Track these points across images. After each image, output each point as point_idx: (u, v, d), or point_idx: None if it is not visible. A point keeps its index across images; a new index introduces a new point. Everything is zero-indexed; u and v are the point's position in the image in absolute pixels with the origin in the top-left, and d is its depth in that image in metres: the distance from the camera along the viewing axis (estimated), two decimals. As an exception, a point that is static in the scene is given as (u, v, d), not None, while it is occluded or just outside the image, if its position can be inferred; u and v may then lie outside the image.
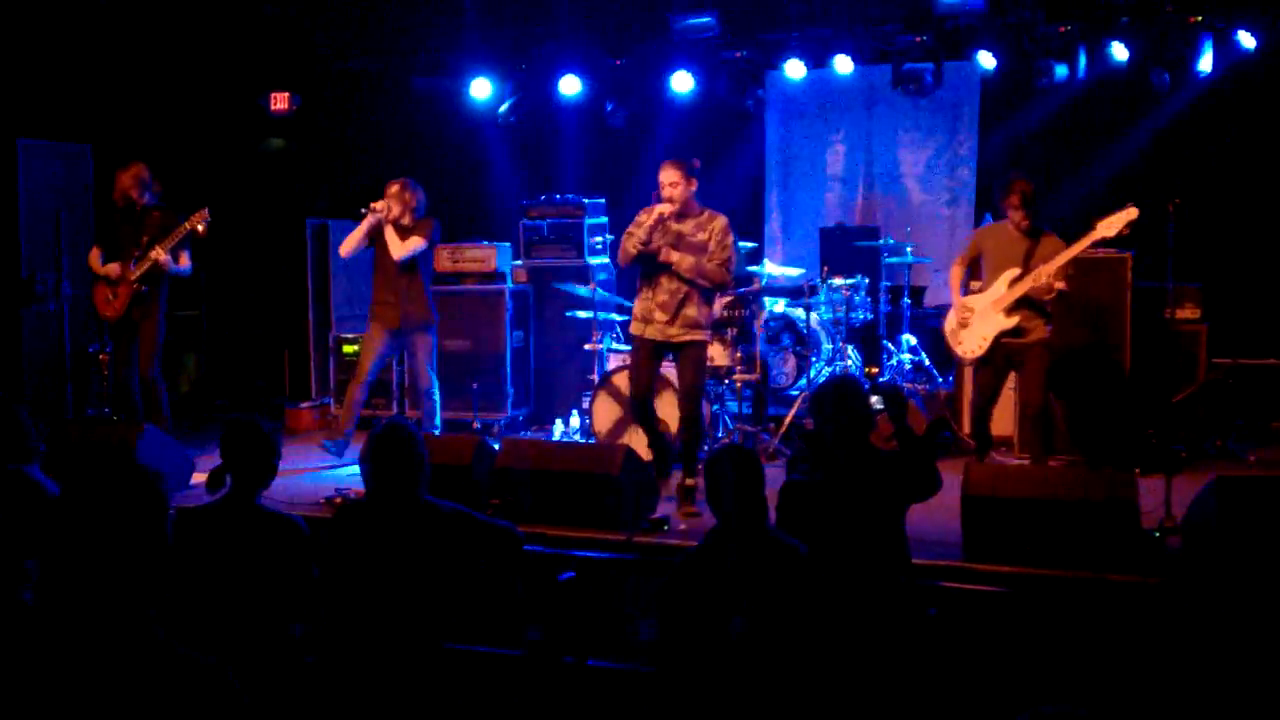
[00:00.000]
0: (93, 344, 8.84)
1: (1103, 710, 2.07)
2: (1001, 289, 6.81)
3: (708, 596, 3.73)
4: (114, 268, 7.81)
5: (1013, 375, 7.07)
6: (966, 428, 8.23)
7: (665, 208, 6.67)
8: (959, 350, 7.03)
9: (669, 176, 6.72)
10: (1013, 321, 6.77)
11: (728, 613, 3.66)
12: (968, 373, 8.34)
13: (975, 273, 7.10)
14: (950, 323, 7.07)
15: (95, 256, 7.97)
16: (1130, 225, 6.54)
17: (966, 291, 7.10)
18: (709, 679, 3.66)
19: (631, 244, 6.72)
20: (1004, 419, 8.06)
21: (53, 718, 2.28)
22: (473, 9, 10.50)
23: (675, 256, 6.70)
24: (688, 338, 6.77)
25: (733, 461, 3.90)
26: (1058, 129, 10.02)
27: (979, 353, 6.90)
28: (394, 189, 7.98)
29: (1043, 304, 6.75)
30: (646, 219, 6.71)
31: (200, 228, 7.74)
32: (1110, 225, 6.54)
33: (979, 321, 6.89)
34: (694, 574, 3.83)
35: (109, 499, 2.42)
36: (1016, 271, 6.77)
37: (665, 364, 7.07)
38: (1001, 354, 6.85)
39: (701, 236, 6.75)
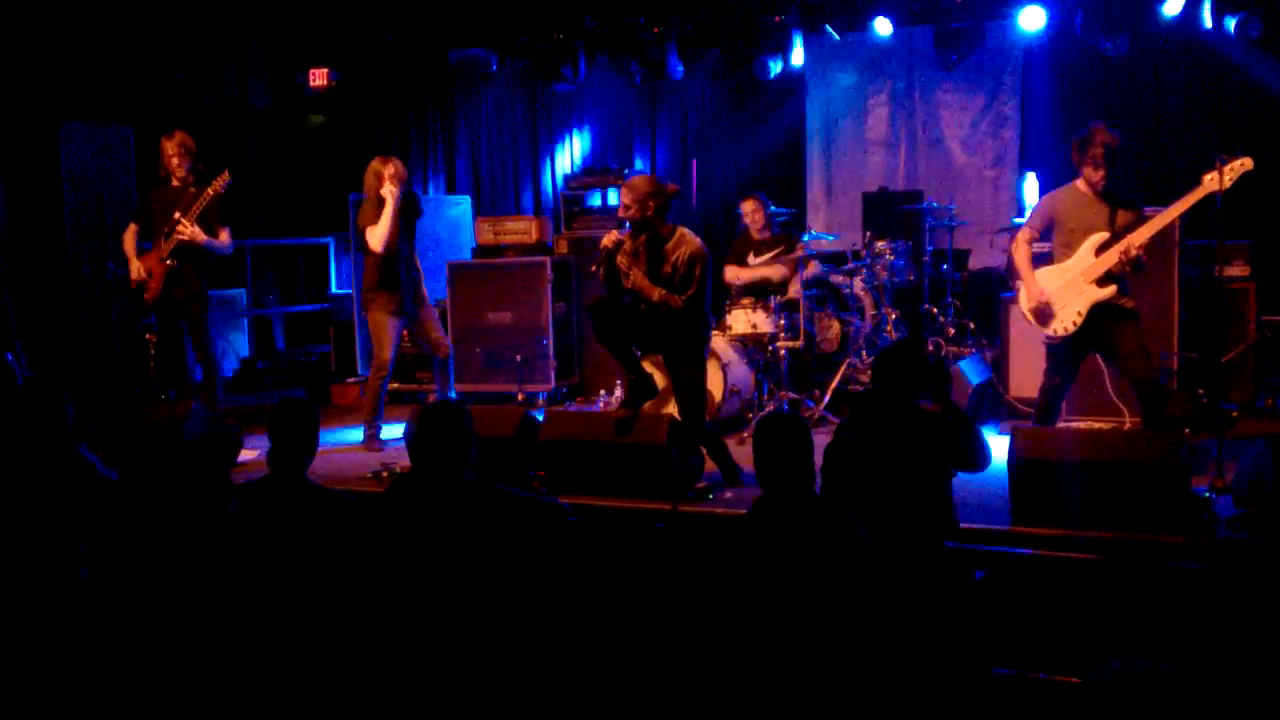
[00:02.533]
0: (139, 322, 8.93)
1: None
2: (1089, 258, 6.06)
3: (755, 568, 3.71)
4: (137, 268, 7.65)
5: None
6: (1012, 391, 8.17)
7: (609, 239, 6.24)
8: (1049, 329, 6.17)
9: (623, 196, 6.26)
10: (1109, 291, 6.00)
11: (775, 585, 3.64)
12: (1014, 336, 8.25)
13: (1051, 243, 6.35)
14: (1027, 300, 6.27)
15: (130, 235, 7.81)
16: (1245, 176, 5.83)
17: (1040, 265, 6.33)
18: (756, 649, 3.64)
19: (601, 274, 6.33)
20: (1032, 381, 7.98)
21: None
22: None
23: (644, 284, 6.20)
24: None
25: (780, 430, 3.87)
26: (1105, 87, 9.86)
27: (1073, 329, 6.09)
28: (393, 169, 7.60)
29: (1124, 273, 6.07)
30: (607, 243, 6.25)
31: (218, 189, 7.43)
32: (1217, 179, 5.82)
33: (1068, 295, 6.11)
34: (739, 547, 3.81)
35: (172, 483, 2.45)
36: (1104, 236, 6.03)
37: None
38: (1094, 329, 6.09)
39: (666, 269, 6.22)
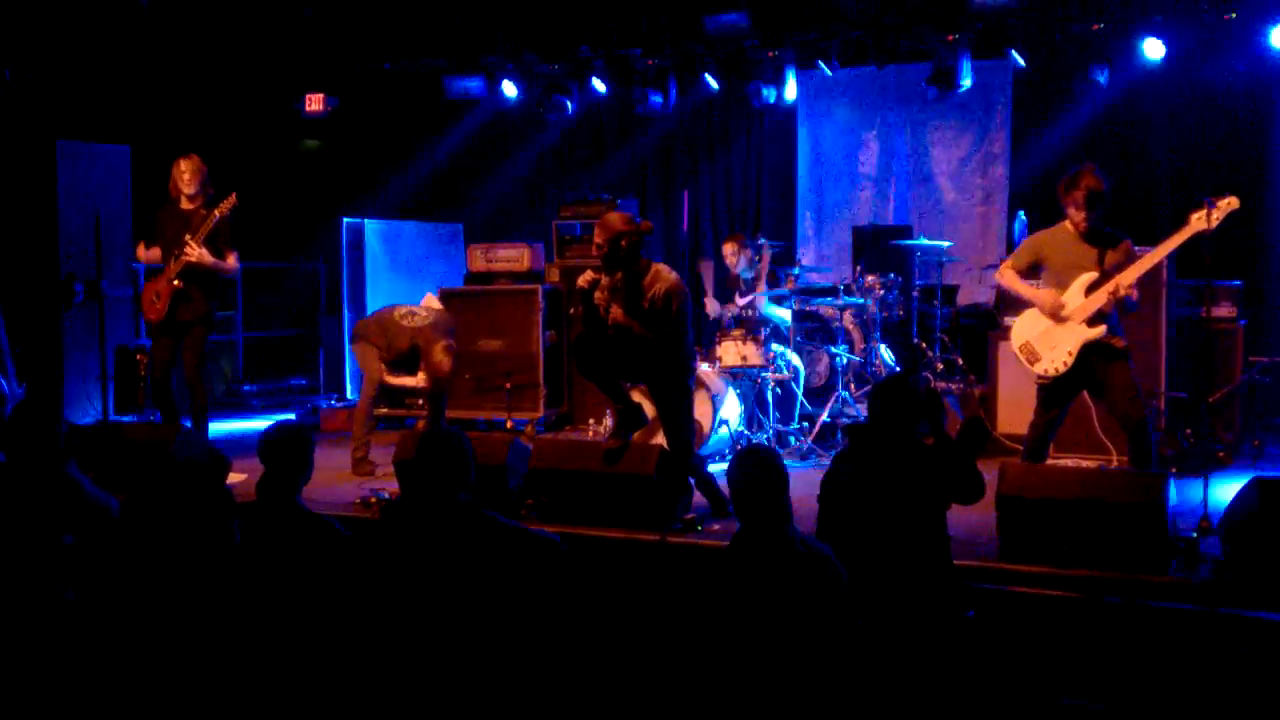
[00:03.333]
0: (132, 343, 8.95)
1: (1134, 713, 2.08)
2: (1079, 298, 6.04)
3: (729, 603, 3.72)
4: (149, 292, 7.67)
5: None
6: (1000, 427, 8.22)
7: (584, 279, 6.25)
8: (1037, 368, 6.15)
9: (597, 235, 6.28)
10: (1098, 331, 5.98)
11: (749, 618, 3.66)
12: (1002, 372, 8.32)
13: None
14: (1017, 338, 6.26)
15: (141, 249, 7.86)
16: (1231, 216, 5.83)
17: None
18: (735, 680, 3.66)
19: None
20: (1021, 417, 8.03)
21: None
22: (504, 10, 10.55)
23: (624, 320, 6.24)
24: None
25: (754, 463, 3.89)
26: (1094, 126, 9.95)
27: (1063, 369, 6.06)
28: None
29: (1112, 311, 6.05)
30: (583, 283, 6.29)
31: (224, 212, 7.39)
32: (1204, 218, 5.82)
33: (1058, 335, 6.08)
34: (719, 577, 3.83)
35: (176, 509, 2.46)
36: (1094, 276, 6.01)
37: None
38: (1084, 368, 6.07)
39: (644, 304, 6.20)
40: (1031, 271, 6.29)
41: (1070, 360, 6.06)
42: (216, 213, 7.42)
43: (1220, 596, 4.95)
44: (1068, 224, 6.16)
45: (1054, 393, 6.20)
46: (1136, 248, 6.17)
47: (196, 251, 7.39)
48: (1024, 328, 6.23)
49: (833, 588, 3.70)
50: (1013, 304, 8.27)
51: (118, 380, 9.37)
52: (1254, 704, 4.37)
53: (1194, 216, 5.88)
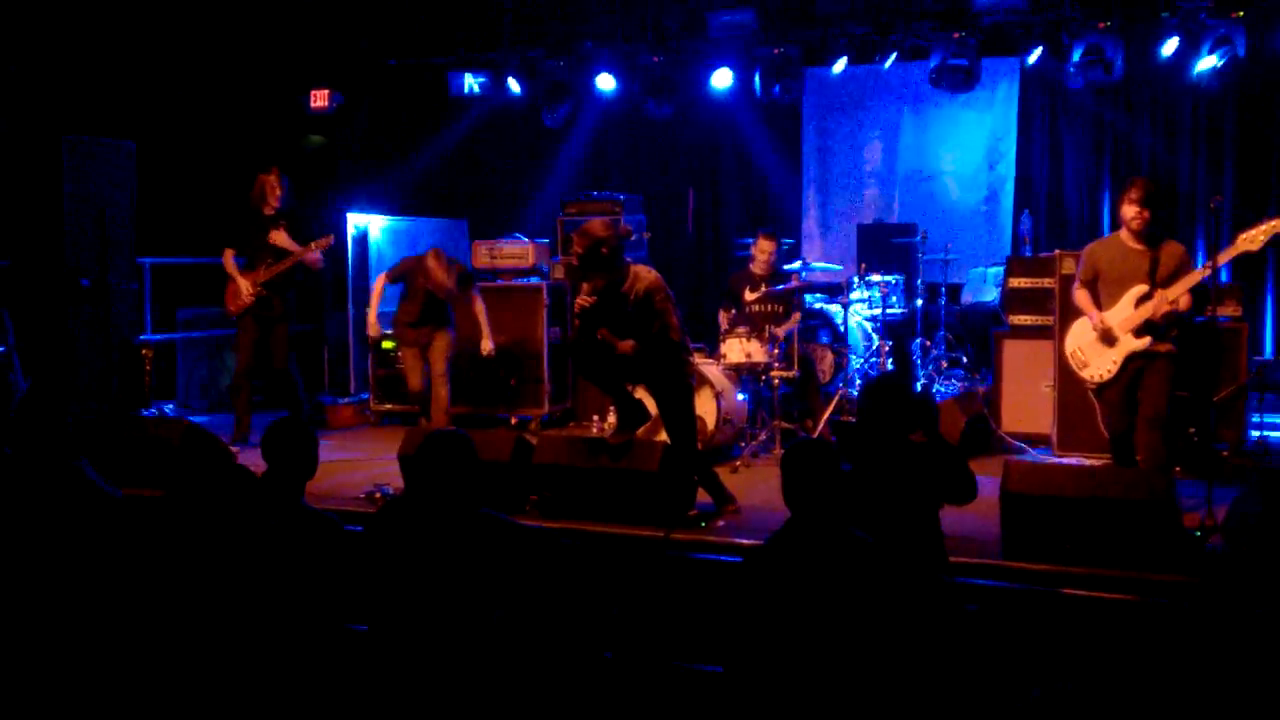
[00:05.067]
0: (138, 337, 9.00)
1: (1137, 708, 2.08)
2: (1128, 309, 6.27)
3: (781, 592, 3.72)
4: (244, 284, 8.57)
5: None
6: (1004, 426, 8.22)
7: (584, 302, 6.32)
8: (1084, 374, 6.47)
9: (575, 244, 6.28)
10: (1144, 343, 6.25)
11: (801, 608, 3.65)
12: (1006, 371, 8.32)
13: (1094, 298, 6.46)
14: (1070, 344, 6.57)
15: (228, 257, 8.63)
16: (1276, 237, 6.07)
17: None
18: (780, 676, 3.65)
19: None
20: (1041, 416, 8.04)
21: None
22: (511, 7, 10.56)
23: (613, 340, 6.25)
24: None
25: (811, 456, 3.90)
26: (1101, 126, 9.95)
27: (1107, 377, 6.37)
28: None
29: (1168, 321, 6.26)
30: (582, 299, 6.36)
31: (315, 255, 8.49)
32: (1253, 239, 6.06)
33: (1105, 344, 6.36)
34: (766, 569, 3.83)
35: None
36: (1144, 289, 6.23)
37: None
38: (1131, 373, 6.34)
39: (628, 310, 6.22)
40: (1094, 284, 6.48)
41: (1114, 369, 6.34)
42: (297, 256, 8.47)
43: (1224, 594, 4.95)
44: (1123, 234, 6.36)
45: (1105, 399, 6.47)
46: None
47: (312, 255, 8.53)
48: (1076, 335, 6.53)
49: (888, 578, 3.70)
50: (1025, 305, 8.34)
51: (123, 374, 9.38)
52: (1258, 701, 4.37)
53: (1242, 237, 6.11)
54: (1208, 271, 6.23)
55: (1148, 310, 6.20)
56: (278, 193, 8.55)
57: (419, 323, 8.29)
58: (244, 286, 8.54)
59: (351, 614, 4.37)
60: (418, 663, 3.95)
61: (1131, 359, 6.29)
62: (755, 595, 3.77)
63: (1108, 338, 6.32)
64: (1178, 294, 6.14)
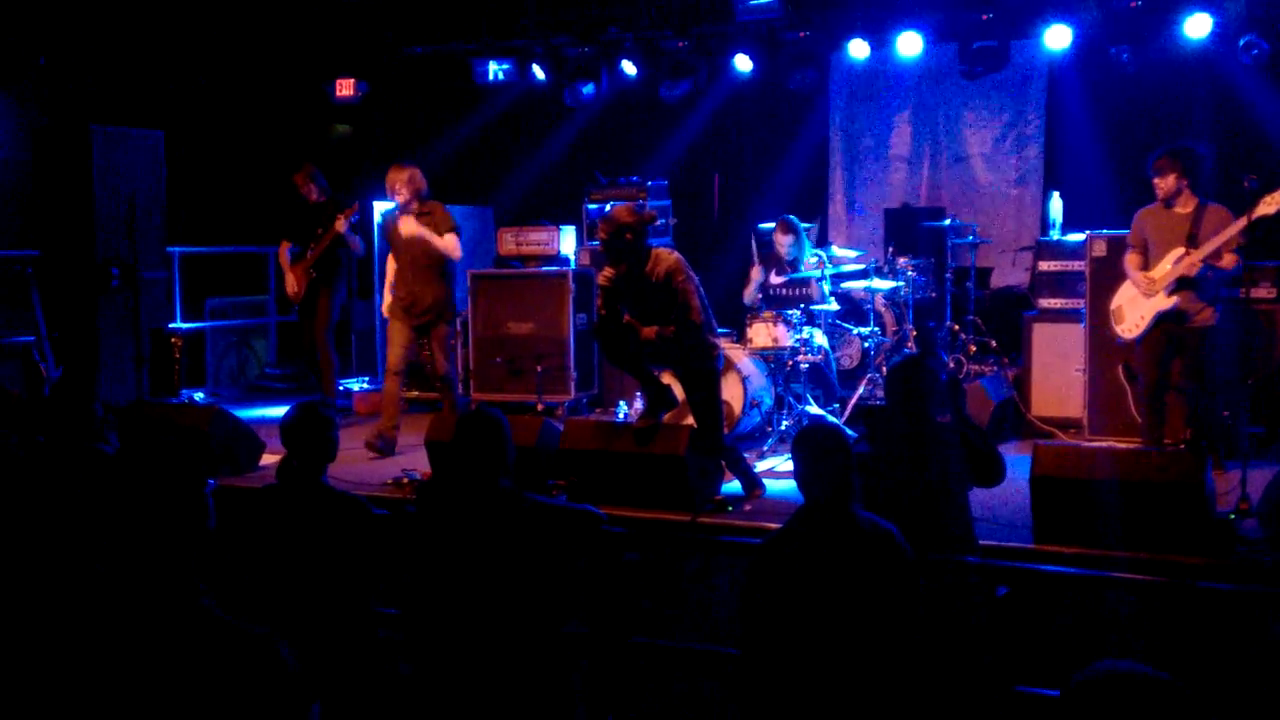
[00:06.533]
0: (167, 325, 9.08)
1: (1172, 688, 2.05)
2: (1167, 268, 6.56)
3: (794, 578, 3.70)
4: (291, 280, 8.98)
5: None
6: (1034, 410, 8.16)
7: (604, 278, 6.33)
8: (1118, 329, 6.84)
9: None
10: (1172, 301, 6.52)
11: (813, 594, 3.63)
12: (1036, 355, 8.26)
13: (1146, 262, 6.72)
14: (1114, 301, 6.88)
15: (284, 249, 9.03)
16: None
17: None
18: (793, 660, 3.64)
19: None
20: (1071, 400, 7.98)
21: (105, 679, 2.35)
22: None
23: (637, 326, 6.25)
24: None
25: (822, 440, 3.87)
26: (1131, 105, 9.83)
27: (1135, 332, 6.69)
28: (405, 174, 7.86)
29: (1216, 283, 6.48)
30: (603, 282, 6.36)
31: (341, 226, 8.59)
32: (1272, 201, 6.17)
33: (1140, 302, 6.66)
34: (779, 556, 3.81)
35: (149, 465, 2.49)
36: (1181, 251, 6.50)
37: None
38: (1163, 337, 6.62)
39: (652, 292, 6.22)
40: (1145, 248, 6.76)
41: (1142, 325, 6.63)
42: (333, 231, 8.68)
43: (1260, 577, 4.90)
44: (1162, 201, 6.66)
45: (1139, 356, 6.79)
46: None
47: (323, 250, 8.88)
48: (1121, 294, 6.85)
49: (898, 565, 3.68)
50: (1054, 288, 8.30)
51: (153, 363, 9.44)
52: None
53: (1265, 200, 6.19)
54: (1230, 234, 6.32)
55: (1179, 269, 6.44)
56: (310, 186, 8.92)
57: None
58: (291, 280, 8.94)
59: (382, 596, 4.38)
60: (450, 647, 3.95)
61: (1162, 319, 6.54)
62: (768, 581, 3.76)
63: (1148, 293, 6.59)
64: (1207, 251, 6.34)
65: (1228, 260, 6.37)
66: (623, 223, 6.15)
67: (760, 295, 8.84)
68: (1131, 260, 6.75)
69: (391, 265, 8.19)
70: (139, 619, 2.39)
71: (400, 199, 7.83)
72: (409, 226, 7.74)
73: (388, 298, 8.18)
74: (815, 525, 3.75)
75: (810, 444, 3.86)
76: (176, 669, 2.35)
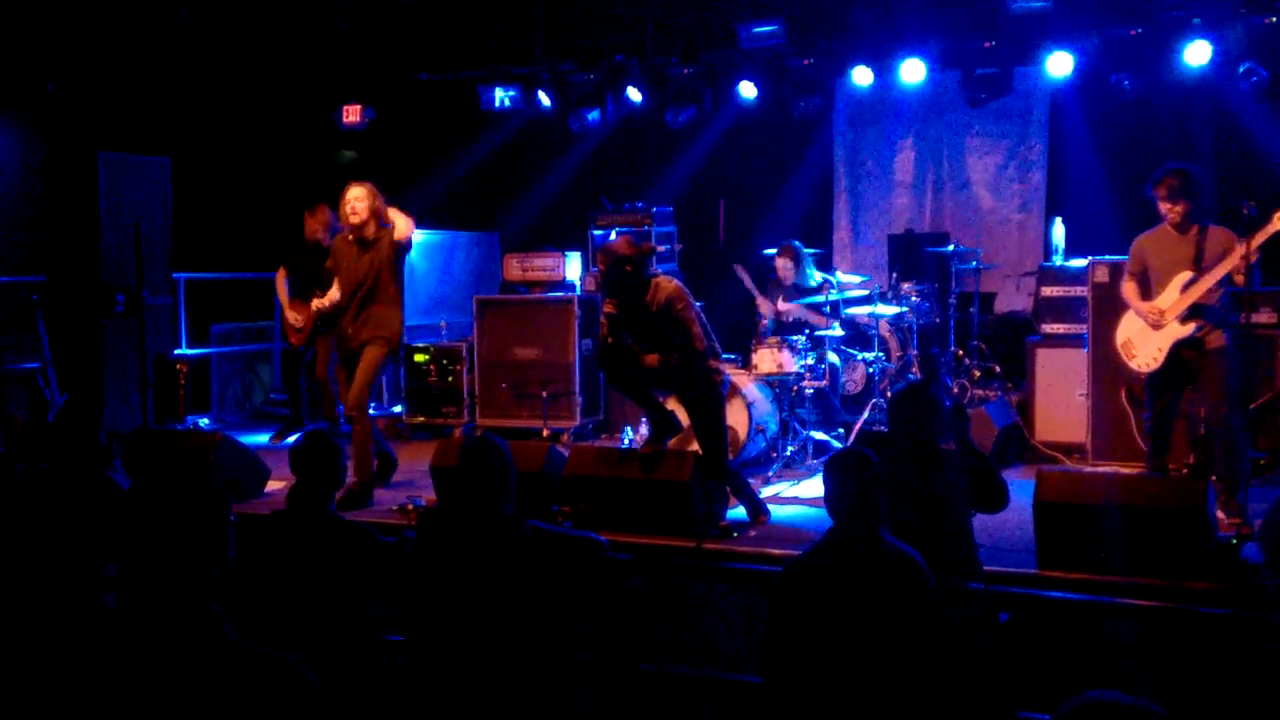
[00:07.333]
0: (172, 352, 9.08)
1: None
2: (1174, 294, 6.31)
3: (822, 599, 3.72)
4: (293, 316, 8.95)
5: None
6: (1038, 435, 8.16)
7: (608, 310, 6.31)
8: (1133, 364, 6.52)
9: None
10: (1189, 329, 6.28)
11: (838, 618, 3.65)
12: (1040, 380, 8.27)
13: (1145, 289, 6.50)
14: (1120, 335, 6.60)
15: (281, 279, 9.02)
16: None
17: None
18: (816, 684, 3.65)
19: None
20: (1075, 425, 7.98)
21: (126, 709, 2.35)
22: (541, 21, 10.60)
23: (640, 355, 6.27)
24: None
25: (847, 466, 3.90)
26: (1133, 132, 9.87)
27: (1154, 365, 6.38)
28: (361, 191, 7.48)
29: (1225, 307, 6.29)
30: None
31: (325, 305, 7.60)
32: None
33: (1152, 332, 6.39)
34: (804, 579, 3.82)
35: (174, 496, 2.50)
36: (1189, 275, 6.27)
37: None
38: (1178, 365, 6.36)
39: (652, 322, 6.25)
40: (1144, 276, 6.53)
41: (1160, 357, 6.36)
42: (317, 305, 7.98)
43: (1260, 602, 4.89)
44: (1166, 225, 6.42)
45: (1155, 388, 6.49)
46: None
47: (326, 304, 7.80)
48: (1126, 326, 6.57)
49: (922, 590, 3.70)
50: (1058, 313, 8.30)
51: (158, 389, 9.47)
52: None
53: (1277, 215, 6.07)
54: (1244, 250, 6.15)
55: (1194, 294, 6.23)
56: (321, 232, 8.80)
57: None
58: (293, 316, 8.91)
59: (388, 623, 4.39)
60: (456, 672, 3.95)
61: (1180, 346, 6.30)
62: (796, 601, 3.77)
63: (1158, 325, 6.36)
64: (1220, 275, 6.16)
65: (1239, 281, 6.19)
66: (621, 254, 6.18)
67: (767, 322, 8.89)
68: (1129, 291, 6.54)
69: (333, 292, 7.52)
70: (162, 651, 2.39)
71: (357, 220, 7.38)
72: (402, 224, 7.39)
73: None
74: (844, 548, 3.77)
75: (843, 468, 3.90)
76: (205, 701, 2.35)
